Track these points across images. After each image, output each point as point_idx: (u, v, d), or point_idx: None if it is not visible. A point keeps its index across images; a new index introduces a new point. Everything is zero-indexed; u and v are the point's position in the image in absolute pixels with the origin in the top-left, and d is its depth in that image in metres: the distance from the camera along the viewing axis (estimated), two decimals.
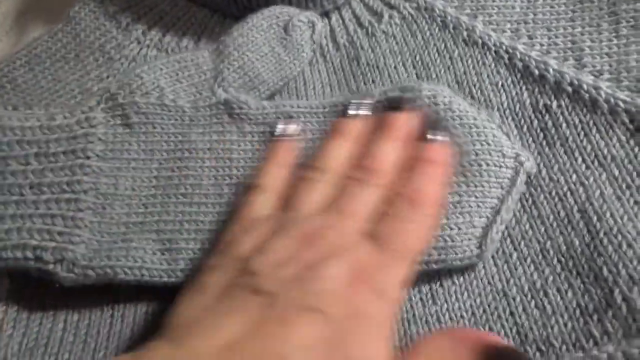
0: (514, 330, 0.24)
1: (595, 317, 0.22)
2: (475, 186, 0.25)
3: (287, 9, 0.33)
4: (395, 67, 0.33)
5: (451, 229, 0.24)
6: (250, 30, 0.32)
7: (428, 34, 0.33)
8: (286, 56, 0.32)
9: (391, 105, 0.27)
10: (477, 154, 0.25)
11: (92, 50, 0.36)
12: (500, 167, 0.25)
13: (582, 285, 0.23)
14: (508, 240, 0.26)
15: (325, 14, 0.36)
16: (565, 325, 0.23)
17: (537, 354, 0.23)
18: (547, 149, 0.27)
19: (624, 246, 0.23)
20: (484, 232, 0.25)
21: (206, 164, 0.28)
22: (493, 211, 0.25)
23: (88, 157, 0.26)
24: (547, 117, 0.28)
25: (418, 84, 0.27)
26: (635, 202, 0.24)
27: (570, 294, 0.23)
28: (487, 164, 0.25)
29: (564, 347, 0.22)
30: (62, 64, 0.37)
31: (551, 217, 0.26)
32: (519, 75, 0.30)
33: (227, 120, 0.29)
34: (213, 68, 0.30)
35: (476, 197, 0.25)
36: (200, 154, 0.28)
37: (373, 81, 0.32)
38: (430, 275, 0.26)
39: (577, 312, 0.23)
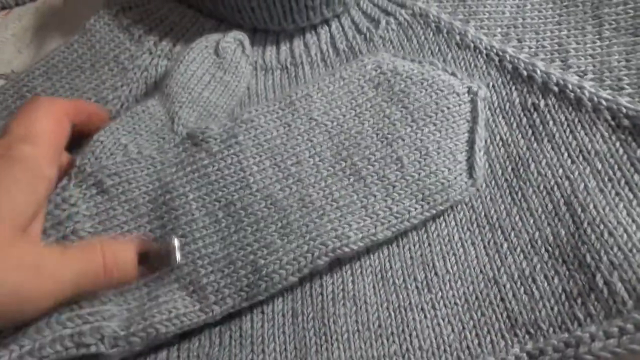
0: (505, 315, 0.25)
1: (579, 301, 0.24)
2: (446, 130, 0.28)
3: (212, 36, 0.35)
4: None
5: (442, 172, 0.27)
6: (187, 66, 0.33)
7: (423, 38, 0.35)
8: (228, 77, 0.34)
9: None
10: (437, 104, 0.28)
11: (106, 61, 0.38)
12: (460, 105, 0.28)
13: (567, 272, 0.25)
14: (499, 232, 0.28)
15: (326, 22, 0.38)
16: (552, 309, 0.24)
17: (527, 336, 0.24)
18: (535, 145, 0.29)
19: (606, 235, 0.25)
20: (469, 163, 0.27)
21: (190, 196, 0.27)
22: (469, 143, 0.28)
23: (81, 237, 0.26)
24: (535, 115, 0.30)
25: (362, 57, 0.29)
26: (617, 194, 0.26)
27: (556, 280, 0.25)
28: (448, 108, 0.28)
29: (550, 329, 0.24)
30: (78, 73, 0.39)
31: (539, 209, 0.27)
32: (508, 76, 0.32)
33: (196, 150, 0.29)
34: (166, 111, 0.30)
35: (450, 138, 0.28)
36: (182, 190, 0.28)
37: None
38: (425, 264, 0.27)
39: (563, 296, 0.24)
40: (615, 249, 0.24)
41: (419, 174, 0.27)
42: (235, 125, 0.29)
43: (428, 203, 0.27)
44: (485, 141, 0.30)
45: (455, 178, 0.27)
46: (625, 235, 0.24)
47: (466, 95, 0.29)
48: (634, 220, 0.25)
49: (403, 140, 0.28)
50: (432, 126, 0.28)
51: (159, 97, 0.31)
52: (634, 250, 0.24)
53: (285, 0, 0.35)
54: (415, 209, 0.27)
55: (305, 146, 0.28)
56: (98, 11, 0.39)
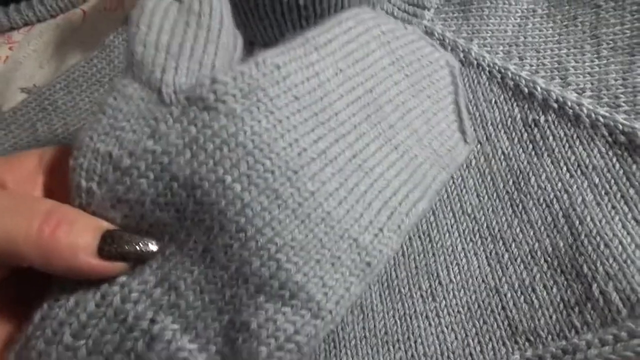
0: (506, 323, 0.26)
1: (576, 310, 0.25)
2: (436, 101, 0.28)
3: None
4: None
5: (442, 144, 0.27)
6: (149, 20, 0.23)
7: None
8: (204, 23, 0.23)
9: None
10: (430, 75, 0.29)
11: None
12: (443, 78, 0.29)
13: (565, 282, 0.26)
14: (500, 242, 0.29)
15: None
16: (551, 317, 0.25)
17: (526, 343, 0.25)
18: (535, 159, 0.30)
19: (602, 246, 0.26)
20: (460, 129, 0.29)
21: (229, 180, 0.20)
22: (455, 111, 0.29)
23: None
24: (535, 130, 0.31)
25: (344, 13, 0.25)
26: (613, 207, 0.27)
27: (555, 289, 0.26)
28: (438, 80, 0.29)
29: (549, 337, 0.25)
30: (98, 87, 0.41)
31: (539, 221, 0.29)
32: (510, 93, 0.33)
33: (210, 116, 0.20)
34: (145, 84, 0.21)
35: (440, 107, 0.28)
36: (213, 177, 0.20)
37: None
38: (430, 273, 0.29)
39: (561, 305, 0.26)
40: (611, 260, 0.25)
41: (430, 143, 0.26)
42: (258, 73, 0.21)
43: (443, 168, 0.26)
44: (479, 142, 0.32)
45: (455, 146, 0.28)
46: (620, 247, 0.26)
47: (446, 67, 0.30)
48: (629, 233, 0.26)
49: (413, 109, 0.26)
50: (431, 97, 0.28)
51: (127, 73, 0.22)
52: (629, 262, 0.25)
53: (296, 21, 0.36)
54: (433, 175, 0.25)
55: (339, 102, 0.23)
56: (117, 28, 0.41)
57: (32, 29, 0.51)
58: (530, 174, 0.30)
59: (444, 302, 0.28)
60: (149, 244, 0.20)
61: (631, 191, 0.27)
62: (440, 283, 0.29)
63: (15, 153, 0.23)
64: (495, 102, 0.33)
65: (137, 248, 0.20)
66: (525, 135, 0.31)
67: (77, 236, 0.18)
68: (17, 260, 0.18)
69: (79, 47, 0.47)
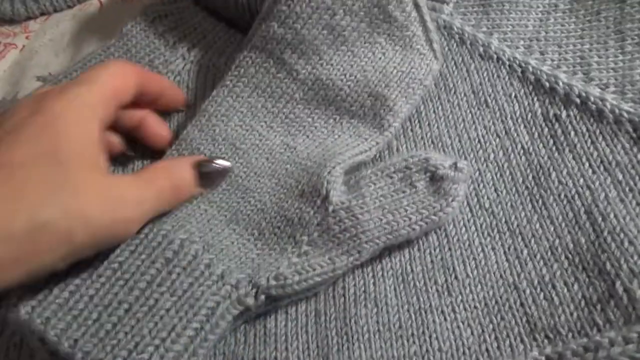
0: (524, 320, 0.26)
1: (598, 307, 0.24)
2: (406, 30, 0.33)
3: None
4: None
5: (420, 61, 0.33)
6: None
7: (447, 49, 0.36)
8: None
9: None
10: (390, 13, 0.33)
11: (141, 65, 0.40)
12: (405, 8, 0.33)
13: (587, 279, 0.25)
14: (519, 238, 0.28)
15: None
16: (572, 314, 0.25)
17: (545, 340, 0.25)
18: (556, 155, 0.30)
19: (626, 243, 0.25)
20: (431, 49, 0.33)
21: None
22: (424, 33, 0.33)
23: None
24: (556, 125, 0.31)
25: None
26: (637, 204, 0.26)
27: (576, 286, 0.26)
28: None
29: (570, 335, 0.24)
30: None
31: (560, 217, 0.28)
32: (530, 87, 0.32)
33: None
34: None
35: (411, 36, 0.34)
36: None
37: None
38: (446, 267, 0.28)
39: (582, 302, 0.25)
40: (636, 257, 0.25)
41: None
42: None
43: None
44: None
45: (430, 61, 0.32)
46: None
47: None
48: None
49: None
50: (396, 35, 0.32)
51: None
52: None
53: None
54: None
55: None
56: (135, 18, 0.41)
57: (48, 18, 0.51)
58: (551, 169, 0.29)
59: (460, 297, 0.27)
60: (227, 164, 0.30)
61: None
62: (456, 277, 0.28)
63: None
64: (515, 96, 0.33)
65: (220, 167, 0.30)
66: (546, 130, 0.31)
67: (189, 190, 0.28)
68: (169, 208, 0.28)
69: (95, 37, 0.47)
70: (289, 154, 0.30)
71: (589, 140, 0.29)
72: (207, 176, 0.29)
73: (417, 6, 0.33)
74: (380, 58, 0.32)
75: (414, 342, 0.27)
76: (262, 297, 0.26)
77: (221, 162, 0.30)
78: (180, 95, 0.35)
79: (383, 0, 0.32)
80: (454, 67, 0.35)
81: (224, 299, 0.26)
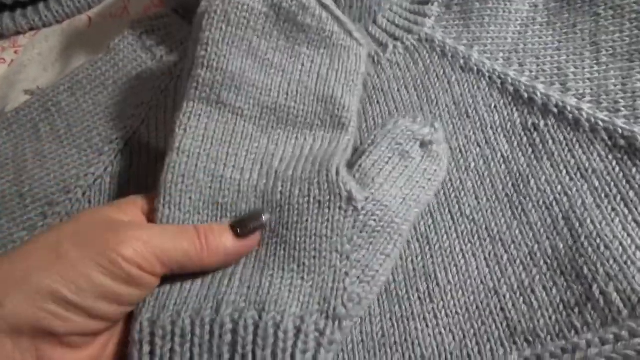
0: (504, 324, 0.26)
1: (576, 310, 0.25)
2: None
3: None
4: (398, 90, 0.36)
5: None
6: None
7: (428, 61, 0.37)
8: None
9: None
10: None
11: (129, 79, 0.41)
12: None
13: (565, 283, 0.26)
14: (499, 244, 0.29)
15: None
16: (550, 318, 0.25)
17: (525, 344, 0.25)
18: (535, 163, 0.30)
19: (602, 248, 0.26)
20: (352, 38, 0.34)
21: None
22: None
23: None
24: (535, 134, 0.31)
25: None
26: (613, 209, 0.27)
27: (554, 290, 0.26)
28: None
29: (548, 337, 0.25)
30: (102, 89, 0.41)
31: (539, 223, 0.28)
32: (510, 98, 0.33)
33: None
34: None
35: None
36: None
37: (378, 102, 0.36)
38: (427, 275, 0.28)
39: (561, 306, 0.25)
40: (612, 261, 0.25)
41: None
42: None
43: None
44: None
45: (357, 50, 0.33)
46: (620, 249, 0.25)
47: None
48: (629, 235, 0.26)
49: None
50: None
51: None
52: (629, 263, 0.25)
53: None
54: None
55: None
56: (123, 32, 0.42)
57: (37, 33, 0.51)
58: (530, 177, 0.30)
59: (441, 303, 0.28)
60: (262, 216, 0.28)
61: (631, 194, 0.27)
62: (437, 284, 0.28)
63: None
64: (495, 106, 0.33)
65: (256, 222, 0.27)
66: (525, 139, 0.32)
67: (220, 237, 0.26)
68: (187, 268, 0.26)
69: (84, 52, 0.47)
70: (273, 181, 0.29)
71: (567, 149, 0.30)
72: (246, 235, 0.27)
73: (324, 6, 0.33)
74: (311, 66, 0.33)
75: (397, 350, 0.27)
76: (345, 323, 0.24)
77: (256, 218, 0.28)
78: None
79: (290, 14, 0.33)
80: (436, 79, 0.36)
81: (317, 350, 0.24)
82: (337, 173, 0.28)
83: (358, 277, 0.26)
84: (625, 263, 0.25)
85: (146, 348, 0.24)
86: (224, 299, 0.25)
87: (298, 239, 0.27)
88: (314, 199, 0.27)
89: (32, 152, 0.39)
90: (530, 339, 0.25)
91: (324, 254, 0.26)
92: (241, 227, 0.27)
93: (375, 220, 0.27)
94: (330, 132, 0.32)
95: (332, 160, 0.29)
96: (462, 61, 0.36)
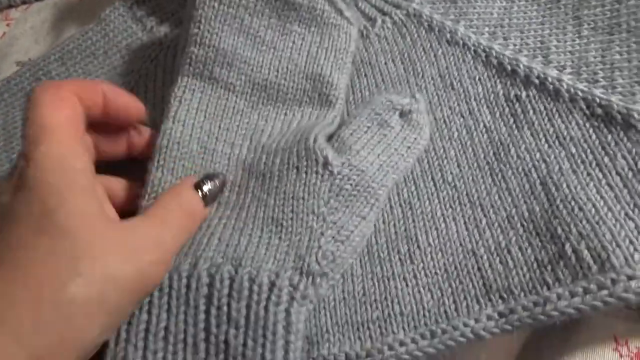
0: (481, 283, 0.27)
1: (549, 268, 0.26)
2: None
3: None
4: (385, 64, 0.37)
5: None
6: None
7: (416, 35, 0.37)
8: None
9: None
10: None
11: (119, 49, 0.41)
12: None
13: (540, 243, 0.27)
14: (479, 209, 0.29)
15: None
16: (524, 275, 0.26)
17: (500, 300, 0.26)
18: (516, 132, 0.31)
19: (576, 210, 0.27)
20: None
21: None
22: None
23: None
24: (517, 105, 0.32)
25: None
26: (588, 174, 0.28)
27: (529, 250, 0.27)
28: None
29: (522, 293, 0.25)
30: (92, 59, 0.41)
31: (517, 189, 0.29)
32: (494, 71, 0.34)
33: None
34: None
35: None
36: None
37: (366, 75, 0.36)
38: (409, 238, 0.29)
39: (535, 264, 0.26)
40: (584, 221, 0.26)
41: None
42: None
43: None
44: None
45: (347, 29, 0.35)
46: (593, 210, 0.26)
47: None
48: (602, 197, 0.27)
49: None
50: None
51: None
52: (600, 222, 0.25)
53: None
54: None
55: None
56: (114, 3, 0.42)
57: (30, 7, 0.52)
58: (511, 145, 0.31)
59: (421, 264, 0.28)
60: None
61: (606, 159, 0.28)
62: (418, 247, 0.29)
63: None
64: (479, 79, 0.34)
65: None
66: (507, 109, 0.32)
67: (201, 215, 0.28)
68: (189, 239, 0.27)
69: (75, 24, 0.47)
70: (259, 154, 0.30)
71: (546, 118, 0.31)
72: (209, 194, 0.28)
73: None
74: (301, 44, 0.34)
75: (376, 308, 0.28)
76: (319, 280, 0.25)
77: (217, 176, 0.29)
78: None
79: None
80: (422, 53, 0.37)
81: (290, 303, 0.24)
82: (315, 140, 0.29)
83: (333, 237, 0.27)
84: (597, 223, 0.26)
85: None
86: (202, 255, 0.26)
87: (277, 202, 0.28)
88: (292, 165, 0.29)
89: (22, 119, 0.40)
90: (505, 295, 0.26)
91: (300, 215, 0.27)
92: (204, 184, 0.28)
93: (351, 185, 0.28)
94: (317, 109, 0.33)
95: (311, 130, 0.30)
96: (448, 35, 0.37)
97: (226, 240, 0.27)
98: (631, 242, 0.24)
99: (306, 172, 0.28)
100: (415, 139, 0.31)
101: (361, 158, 0.29)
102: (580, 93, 0.30)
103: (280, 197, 0.28)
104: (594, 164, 0.28)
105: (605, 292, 0.23)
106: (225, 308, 0.24)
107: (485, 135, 0.32)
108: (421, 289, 0.28)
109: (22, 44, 0.49)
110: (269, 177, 0.29)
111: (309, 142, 0.29)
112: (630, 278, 0.23)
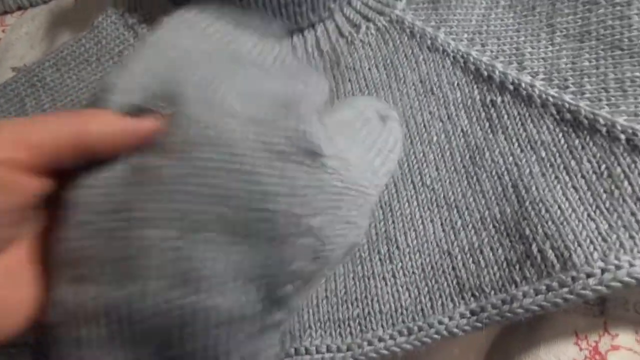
0: (455, 282, 0.28)
1: (517, 267, 0.27)
2: None
3: None
4: (369, 69, 0.38)
5: None
6: None
7: (398, 42, 0.39)
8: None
9: None
10: None
11: (111, 55, 0.42)
12: None
13: (509, 243, 0.28)
14: (455, 211, 0.31)
15: (312, 26, 0.42)
16: (495, 274, 0.28)
17: (472, 298, 0.27)
18: (491, 136, 0.33)
19: (543, 211, 0.28)
20: None
21: None
22: None
23: None
24: (492, 110, 0.33)
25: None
26: (556, 177, 0.29)
27: (500, 250, 0.28)
28: None
29: (492, 292, 0.27)
30: (85, 65, 0.43)
31: (490, 191, 0.31)
32: (471, 76, 0.35)
33: None
34: None
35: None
36: None
37: (349, 80, 0.38)
38: (389, 239, 0.31)
39: (504, 264, 0.28)
40: (550, 222, 0.27)
41: None
42: None
43: None
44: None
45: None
46: (558, 211, 0.28)
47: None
48: (567, 199, 0.28)
49: None
50: None
51: None
52: (565, 223, 0.27)
53: (275, 8, 0.39)
54: None
55: None
56: (106, 10, 0.43)
57: (25, 13, 0.53)
58: (485, 149, 0.32)
59: (400, 264, 0.30)
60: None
61: (572, 163, 0.29)
62: (397, 247, 0.31)
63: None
64: (458, 84, 0.35)
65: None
66: (483, 114, 0.34)
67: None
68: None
69: (69, 30, 0.49)
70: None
71: (519, 123, 0.32)
72: None
73: None
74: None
75: (357, 306, 0.30)
76: None
77: None
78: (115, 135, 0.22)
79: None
80: (404, 58, 0.38)
81: None
82: (306, 121, 0.21)
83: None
84: (562, 224, 0.27)
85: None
86: None
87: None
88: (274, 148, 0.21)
89: None
90: (477, 293, 0.27)
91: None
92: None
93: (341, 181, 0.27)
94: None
95: (299, 102, 0.23)
96: (429, 41, 0.38)
97: None
98: (592, 241, 0.26)
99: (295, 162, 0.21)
100: (390, 142, 0.30)
101: (349, 152, 0.24)
102: (551, 98, 0.32)
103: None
104: (561, 167, 0.29)
105: (565, 289, 0.25)
106: None
107: (463, 140, 0.33)
108: (399, 288, 0.29)
109: (18, 49, 0.50)
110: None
111: (300, 125, 0.21)
112: (588, 276, 0.25)
